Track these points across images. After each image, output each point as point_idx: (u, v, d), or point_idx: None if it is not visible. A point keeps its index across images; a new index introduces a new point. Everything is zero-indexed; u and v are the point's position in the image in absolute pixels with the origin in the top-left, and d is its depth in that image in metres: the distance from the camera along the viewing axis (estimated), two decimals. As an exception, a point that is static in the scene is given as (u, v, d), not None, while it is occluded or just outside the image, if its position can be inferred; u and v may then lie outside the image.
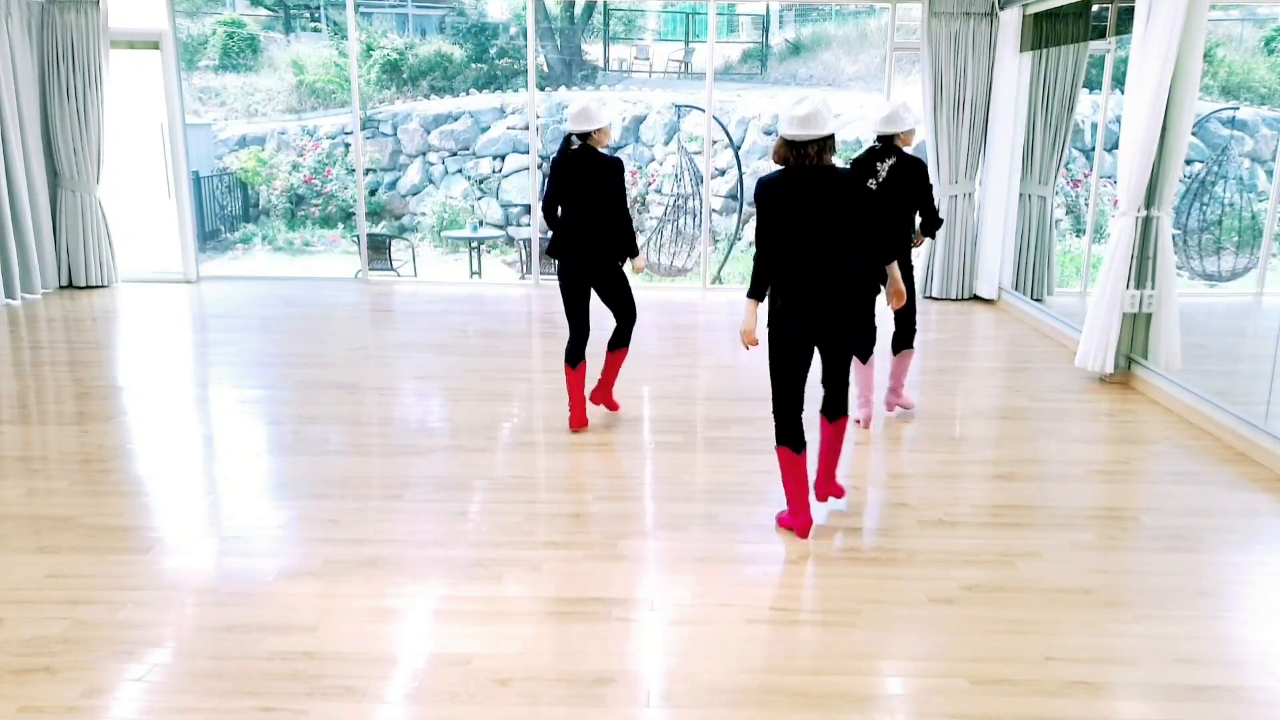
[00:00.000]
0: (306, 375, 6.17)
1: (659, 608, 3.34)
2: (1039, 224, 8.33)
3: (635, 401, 5.72)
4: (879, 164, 4.90)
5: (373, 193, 16.51)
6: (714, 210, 9.62)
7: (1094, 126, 13.21)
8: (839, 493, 4.16)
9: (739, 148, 15.45)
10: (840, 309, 3.71)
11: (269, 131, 17.04)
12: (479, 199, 16.39)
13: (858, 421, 5.19)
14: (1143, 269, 5.91)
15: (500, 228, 16.19)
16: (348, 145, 16.48)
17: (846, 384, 3.93)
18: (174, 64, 8.78)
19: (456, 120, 16.60)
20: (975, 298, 8.78)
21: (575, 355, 5.01)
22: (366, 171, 16.27)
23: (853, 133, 15.18)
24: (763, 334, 3.82)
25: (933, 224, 5.09)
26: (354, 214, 14.59)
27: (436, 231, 15.88)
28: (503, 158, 16.32)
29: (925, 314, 8.32)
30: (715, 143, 14.45)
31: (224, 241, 16.00)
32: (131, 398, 5.75)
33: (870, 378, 5.19)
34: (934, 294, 8.82)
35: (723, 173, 15.26)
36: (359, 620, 3.22)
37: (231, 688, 2.83)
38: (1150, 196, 5.77)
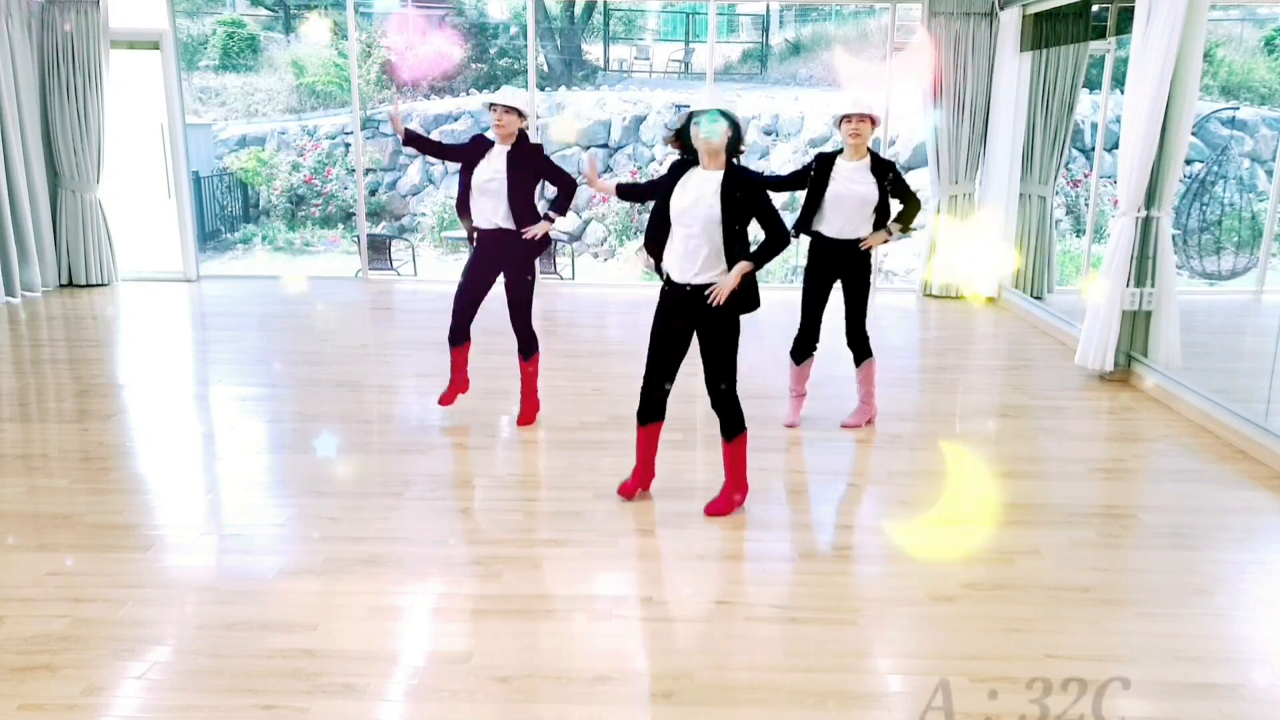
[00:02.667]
0: (306, 373, 6.17)
1: (659, 605, 3.34)
2: (1039, 223, 8.33)
3: (635, 399, 5.70)
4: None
5: (373, 193, 16.50)
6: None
7: (1094, 126, 13.21)
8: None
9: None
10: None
11: (269, 131, 17.03)
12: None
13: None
14: (1142, 268, 5.91)
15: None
16: (348, 145, 16.48)
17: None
18: (174, 64, 8.78)
19: (456, 120, 16.59)
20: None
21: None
22: (366, 171, 16.26)
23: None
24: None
25: (916, 208, 5.00)
26: (354, 214, 14.60)
27: (436, 232, 15.87)
28: (503, 158, 16.31)
29: (925, 312, 8.33)
30: (715, 143, 14.43)
31: (224, 241, 15.99)
32: (132, 395, 5.75)
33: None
34: (934, 292, 8.82)
35: (723, 173, 15.22)
36: (359, 618, 3.22)
37: (232, 685, 2.83)
38: (1150, 196, 5.77)
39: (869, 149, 4.81)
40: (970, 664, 2.99)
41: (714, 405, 3.99)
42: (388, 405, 5.62)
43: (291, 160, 16.68)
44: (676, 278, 3.85)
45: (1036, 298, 8.19)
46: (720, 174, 3.75)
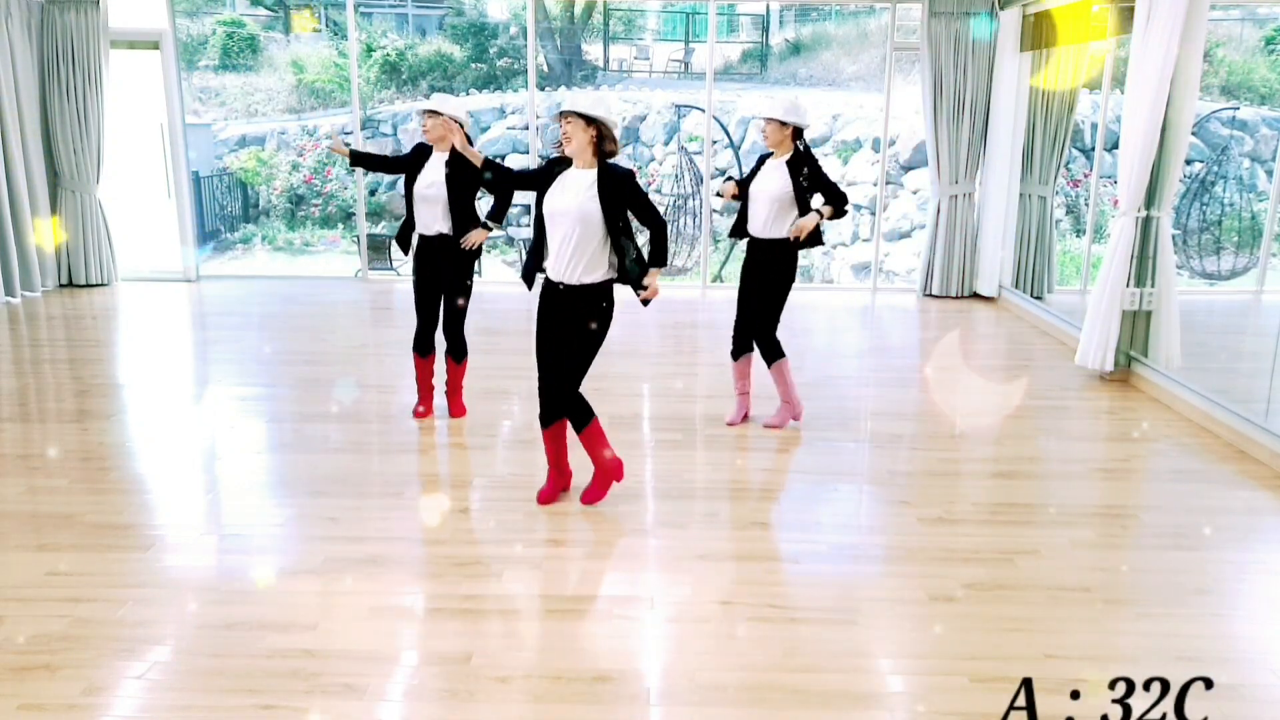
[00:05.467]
0: (306, 373, 6.17)
1: (659, 605, 3.34)
2: (1039, 223, 8.32)
3: (635, 399, 5.72)
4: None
5: (372, 193, 16.50)
6: (714, 210, 9.65)
7: (1094, 126, 13.21)
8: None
9: (739, 148, 15.45)
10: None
11: (269, 131, 17.03)
12: (479, 199, 16.38)
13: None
14: (1143, 268, 5.91)
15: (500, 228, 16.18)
16: (348, 145, 16.48)
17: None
18: (174, 64, 8.78)
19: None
20: (975, 295, 8.78)
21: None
22: (366, 171, 16.23)
23: (853, 132, 15.18)
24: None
25: (840, 204, 4.92)
26: (354, 214, 14.60)
27: (436, 231, 15.86)
28: (503, 158, 16.32)
29: (925, 312, 8.33)
30: (715, 143, 14.46)
31: (224, 241, 15.99)
32: (131, 395, 5.75)
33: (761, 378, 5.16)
34: (934, 292, 8.82)
35: (723, 172, 15.25)
36: (359, 618, 3.22)
37: (232, 685, 2.83)
38: (1150, 196, 5.77)
39: (795, 146, 4.86)
40: (970, 664, 2.99)
41: (563, 402, 3.99)
42: (387, 405, 5.62)
43: (291, 160, 16.68)
44: (554, 276, 3.87)
45: (1036, 298, 8.19)
46: (593, 172, 3.80)
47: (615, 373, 6.23)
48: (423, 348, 5.20)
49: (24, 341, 6.98)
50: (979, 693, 2.84)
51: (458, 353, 5.21)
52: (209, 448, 4.95)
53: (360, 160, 5.18)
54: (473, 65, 18.63)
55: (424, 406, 5.31)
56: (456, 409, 5.33)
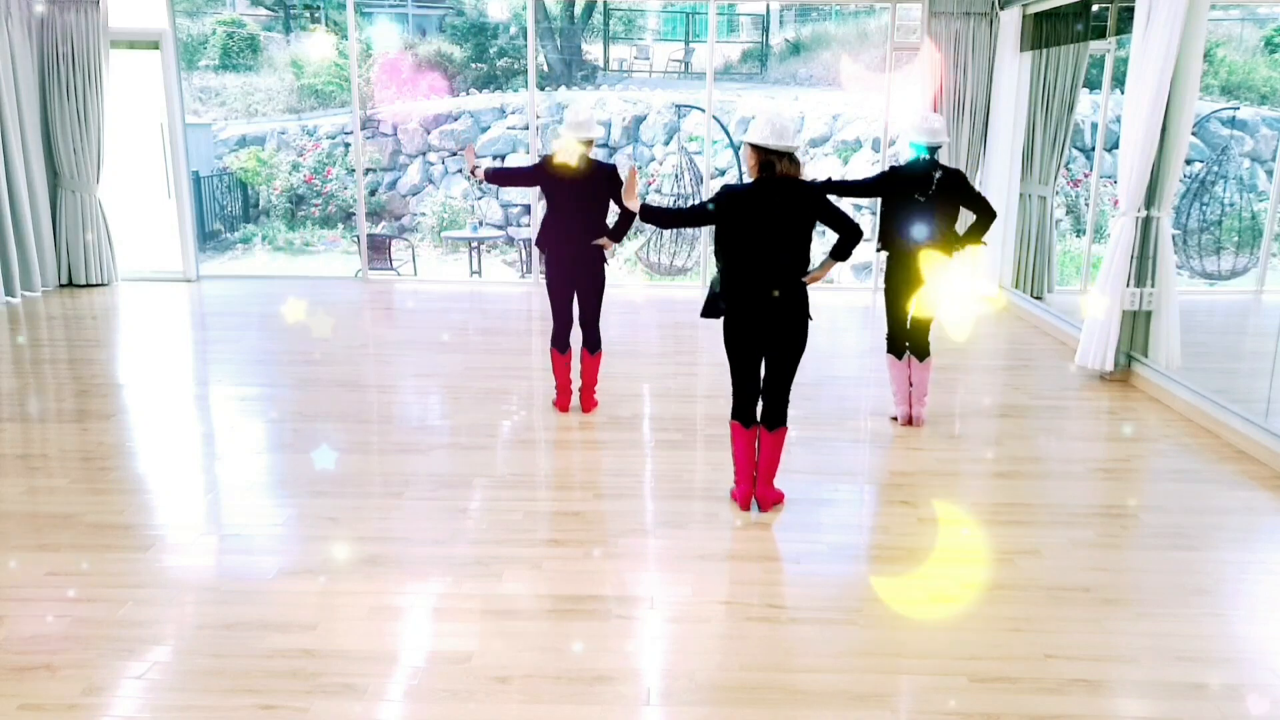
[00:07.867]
0: (306, 373, 6.17)
1: (659, 606, 3.34)
2: (1039, 223, 8.33)
3: (635, 399, 5.72)
4: (934, 174, 4.90)
5: (372, 193, 16.50)
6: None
7: (1094, 126, 13.21)
8: (778, 498, 4.17)
9: (739, 148, 15.44)
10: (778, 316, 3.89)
11: (269, 131, 17.03)
12: (479, 199, 16.38)
13: (894, 419, 5.30)
14: (1143, 268, 5.91)
15: (500, 228, 16.18)
16: (348, 145, 16.48)
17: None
18: (174, 64, 8.78)
19: (456, 120, 16.60)
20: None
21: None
22: (366, 171, 16.25)
23: (852, 133, 15.18)
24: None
25: (990, 220, 5.13)
26: (354, 214, 14.60)
27: (436, 231, 15.87)
28: (503, 158, 16.31)
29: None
30: (715, 143, 14.46)
31: (224, 241, 15.99)
32: (131, 395, 5.75)
33: (903, 377, 5.23)
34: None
35: (723, 173, 15.25)
36: (359, 618, 3.22)
37: (231, 685, 2.83)
38: (1150, 196, 5.77)
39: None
40: (970, 664, 2.99)
41: (780, 404, 4.07)
42: (387, 405, 5.62)
43: (291, 160, 16.68)
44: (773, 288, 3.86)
45: (1036, 298, 8.19)
46: (793, 185, 3.81)
47: (615, 373, 6.23)
48: (562, 345, 5.34)
49: (24, 341, 6.98)
50: (979, 693, 2.84)
51: (596, 345, 5.37)
52: (209, 448, 4.95)
53: (494, 177, 5.23)
54: (473, 65, 18.63)
55: (563, 400, 5.42)
56: (591, 403, 5.43)
